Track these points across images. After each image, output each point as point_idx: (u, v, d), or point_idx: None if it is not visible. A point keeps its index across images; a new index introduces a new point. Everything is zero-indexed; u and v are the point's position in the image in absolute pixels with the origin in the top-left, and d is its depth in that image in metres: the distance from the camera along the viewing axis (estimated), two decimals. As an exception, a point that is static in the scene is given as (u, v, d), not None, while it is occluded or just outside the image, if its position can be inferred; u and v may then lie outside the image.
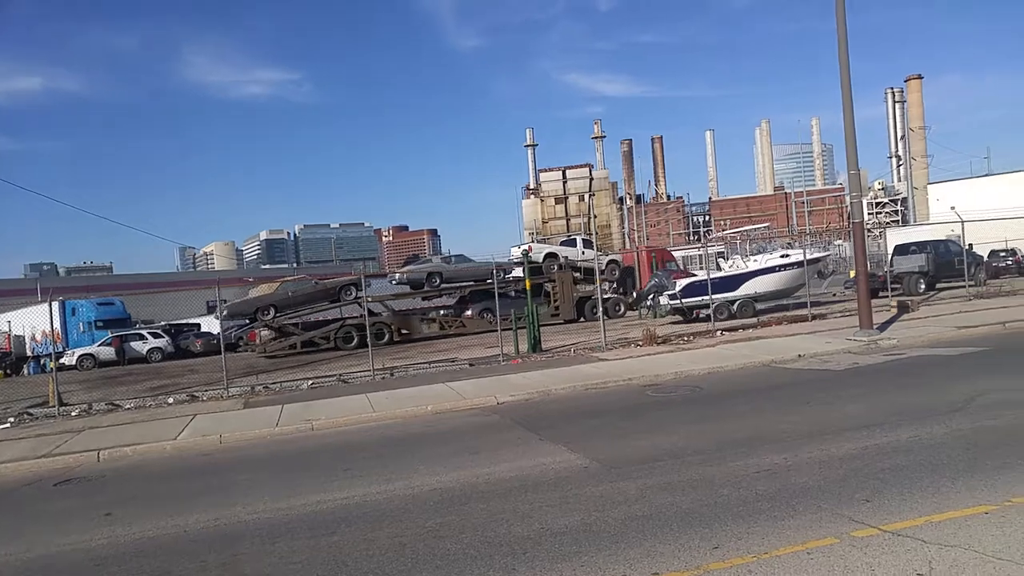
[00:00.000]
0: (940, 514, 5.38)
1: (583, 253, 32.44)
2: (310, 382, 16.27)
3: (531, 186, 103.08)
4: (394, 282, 30.65)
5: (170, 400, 15.84)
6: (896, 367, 13.29)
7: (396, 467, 8.78)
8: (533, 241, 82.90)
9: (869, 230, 76.10)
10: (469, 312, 30.39)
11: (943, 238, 29.88)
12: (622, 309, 31.79)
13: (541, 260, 31.49)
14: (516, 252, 32.54)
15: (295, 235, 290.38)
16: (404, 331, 28.62)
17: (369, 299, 28.21)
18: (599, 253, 35.42)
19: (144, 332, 35.81)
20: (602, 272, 31.95)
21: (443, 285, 29.89)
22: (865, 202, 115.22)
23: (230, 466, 9.94)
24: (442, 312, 31.29)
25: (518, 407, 12.20)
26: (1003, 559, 4.52)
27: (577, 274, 31.84)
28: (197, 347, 33.89)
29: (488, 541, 5.80)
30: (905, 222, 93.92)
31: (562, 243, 36.32)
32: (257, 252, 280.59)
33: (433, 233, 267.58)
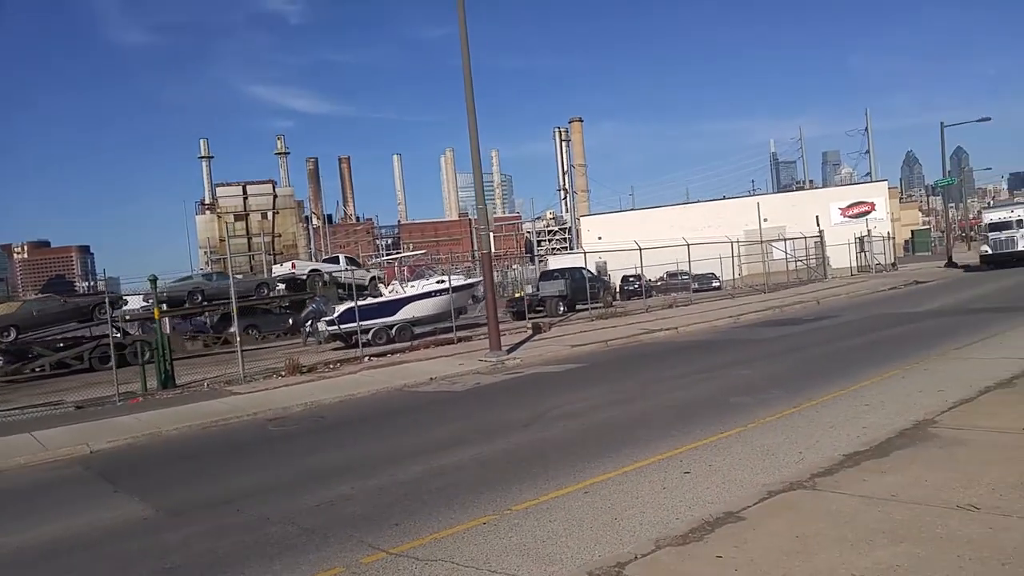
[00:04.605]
0: (448, 529, 5.95)
1: (347, 270, 33.41)
2: None
3: (207, 201, 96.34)
4: (152, 301, 28.80)
5: None
6: (508, 386, 14.66)
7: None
8: (208, 261, 77.37)
9: (541, 257, 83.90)
10: (233, 329, 29.27)
11: (579, 266, 33.90)
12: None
13: (305, 276, 32.39)
14: (280, 269, 34.49)
15: None
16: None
17: (127, 318, 27.28)
18: (361, 269, 35.29)
19: None
20: (365, 288, 31.45)
21: (206, 303, 29.37)
22: (537, 228, 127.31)
23: None
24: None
25: (115, 455, 11.09)
26: (471, 566, 5.11)
27: (341, 291, 31.48)
28: None
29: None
30: (572, 249, 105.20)
31: (325, 260, 39.07)
32: None
33: (84, 250, 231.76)
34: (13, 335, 24.73)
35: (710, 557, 4.63)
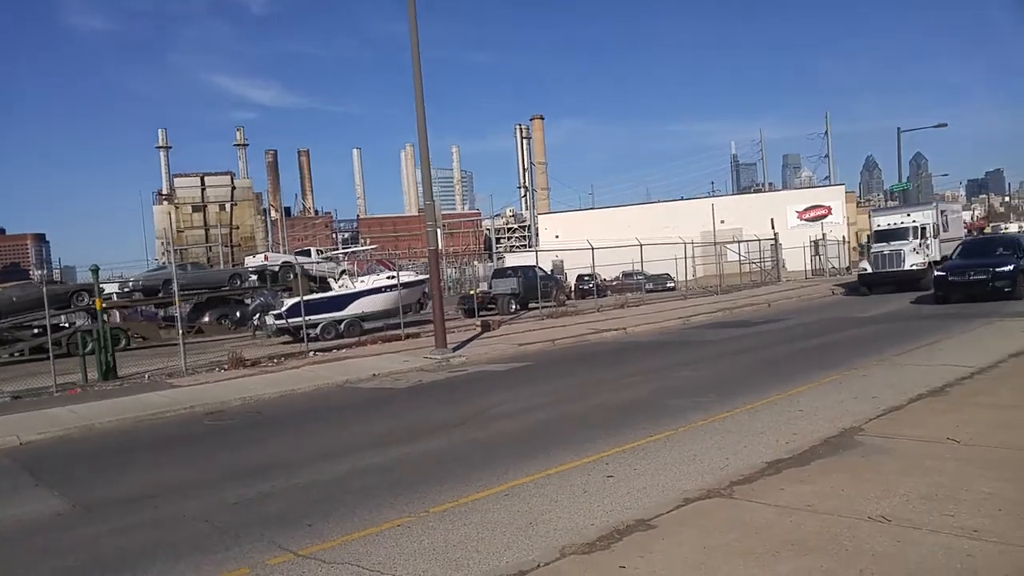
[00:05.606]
0: (361, 531, 5.79)
1: (319, 263, 34.13)
2: None
3: (164, 192, 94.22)
4: (127, 289, 30.31)
5: None
6: (450, 384, 14.49)
7: None
8: (166, 252, 75.72)
9: (500, 254, 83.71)
10: (207, 318, 30.58)
11: (532, 264, 33.86)
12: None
13: (278, 269, 33.25)
14: (252, 261, 35.68)
15: None
16: (142, 337, 28.46)
17: (104, 306, 26.83)
18: (332, 262, 35.02)
19: None
20: (336, 280, 31.06)
21: (180, 292, 29.23)
22: (497, 225, 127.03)
23: None
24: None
25: (45, 447, 10.77)
26: (376, 571, 4.98)
27: (313, 283, 31.10)
28: None
29: None
30: (531, 247, 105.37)
31: (297, 253, 39.98)
32: None
33: (40, 238, 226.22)
34: None
35: (612, 567, 4.58)
